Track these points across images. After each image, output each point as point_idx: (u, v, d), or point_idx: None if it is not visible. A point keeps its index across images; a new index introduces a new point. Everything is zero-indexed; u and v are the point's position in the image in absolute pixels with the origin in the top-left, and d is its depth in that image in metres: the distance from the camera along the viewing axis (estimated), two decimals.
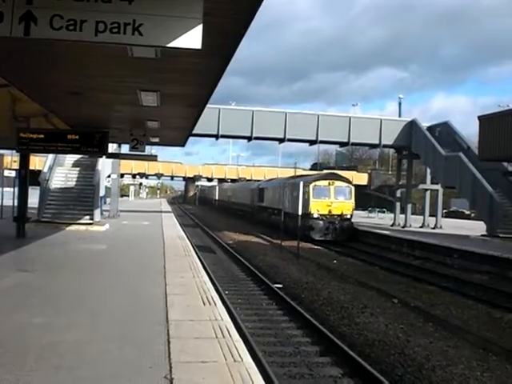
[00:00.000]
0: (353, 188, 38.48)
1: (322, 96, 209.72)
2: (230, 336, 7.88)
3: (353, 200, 37.92)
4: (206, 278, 13.02)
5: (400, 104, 62.64)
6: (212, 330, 8.10)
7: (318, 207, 36.63)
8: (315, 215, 36.28)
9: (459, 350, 11.87)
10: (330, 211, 36.63)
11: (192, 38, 6.68)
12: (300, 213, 29.70)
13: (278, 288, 18.27)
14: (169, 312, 9.08)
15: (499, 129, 27.33)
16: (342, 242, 35.48)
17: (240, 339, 7.90)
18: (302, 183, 32.31)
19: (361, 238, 36.76)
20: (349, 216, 37.22)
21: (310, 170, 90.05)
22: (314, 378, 10.21)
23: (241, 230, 43.21)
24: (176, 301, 9.94)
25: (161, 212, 46.77)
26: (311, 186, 36.76)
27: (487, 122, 29.08)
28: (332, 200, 36.97)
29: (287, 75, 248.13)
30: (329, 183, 37.51)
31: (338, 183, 37.85)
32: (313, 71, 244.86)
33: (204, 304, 9.89)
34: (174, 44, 6.73)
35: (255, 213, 55.13)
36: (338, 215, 36.73)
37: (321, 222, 36.38)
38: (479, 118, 30.41)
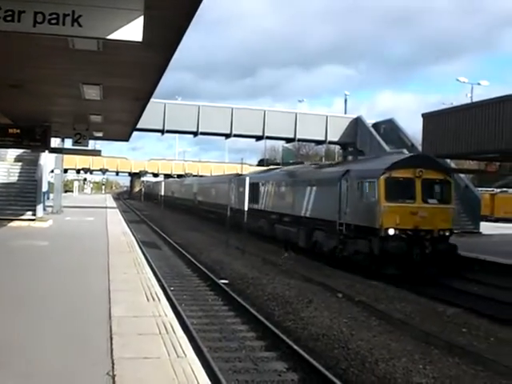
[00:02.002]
0: (452, 182, 23.14)
1: (270, 92, 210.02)
2: (174, 332, 7.83)
3: (453, 204, 22.95)
4: (150, 274, 12.92)
5: (346, 101, 63.19)
6: (155, 326, 8.04)
7: (394, 217, 20.64)
8: (390, 231, 20.37)
9: (402, 343, 12.01)
10: (415, 224, 20.76)
11: (133, 31, 6.58)
12: (340, 220, 22.81)
13: (224, 283, 18.22)
14: (112, 308, 8.97)
15: (442, 126, 27.79)
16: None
17: (184, 335, 7.86)
18: (351, 174, 22.98)
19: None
20: (447, 233, 21.53)
21: (257, 165, 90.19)
22: (258, 373, 10.21)
23: (187, 226, 42.97)
24: (119, 297, 9.83)
25: (106, 208, 46.22)
26: (382, 178, 21.00)
27: (430, 119, 29.49)
28: (419, 204, 21.15)
29: (236, 71, 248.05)
30: (414, 174, 21.38)
31: (429, 174, 21.73)
32: (261, 68, 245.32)
33: (148, 300, 9.81)
34: (114, 36, 6.62)
35: (202, 210, 53.80)
36: (429, 231, 20.90)
37: (400, 244, 20.36)
38: (423, 115, 30.80)
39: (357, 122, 42.64)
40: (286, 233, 29.59)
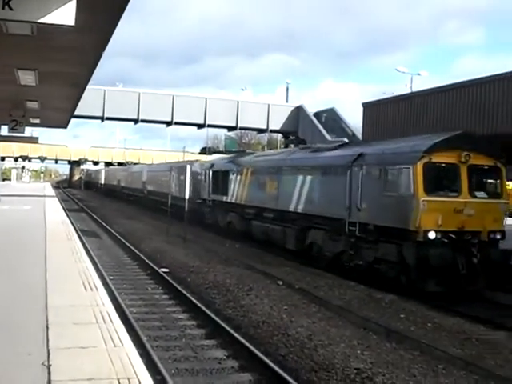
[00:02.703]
0: (504, 169, 17.67)
1: (213, 80, 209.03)
2: (111, 321, 7.72)
3: (505, 197, 17.76)
4: (88, 263, 12.72)
5: (287, 90, 63.36)
6: (93, 316, 7.91)
7: (436, 216, 15.99)
8: (431, 234, 15.83)
9: (341, 329, 12.16)
10: (460, 225, 16.31)
11: (65, 14, 6.43)
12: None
13: (165, 272, 18.11)
14: (48, 298, 8.80)
15: (381, 116, 28.24)
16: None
17: (121, 324, 7.76)
18: (367, 159, 18.18)
19: None
20: (498, 235, 16.96)
21: (200, 154, 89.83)
22: (198, 361, 10.19)
23: (128, 215, 42.54)
24: (56, 286, 9.65)
25: (44, 196, 45.29)
26: (420, 164, 16.11)
27: (370, 109, 29.92)
28: (466, 199, 16.60)
29: (179, 59, 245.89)
30: (459, 158, 16.61)
31: (478, 159, 16.94)
32: (205, 56, 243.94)
33: (85, 289, 9.65)
34: (46, 20, 6.46)
35: (144, 198, 52.24)
36: (476, 233, 16.51)
37: (445, 252, 15.89)
38: (363, 104, 31.20)
39: (298, 111, 42.84)
40: (267, 231, 24.86)
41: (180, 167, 32.62)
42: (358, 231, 17.90)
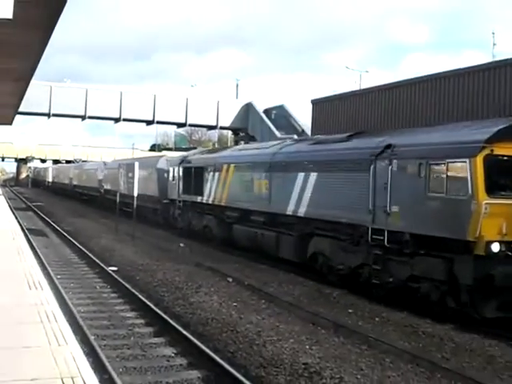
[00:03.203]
0: None
1: (163, 77, 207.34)
2: (56, 320, 7.62)
3: None
4: (34, 261, 12.52)
5: (237, 86, 63.58)
6: (37, 315, 7.80)
7: (499, 223, 12.70)
8: (494, 247, 12.54)
9: (290, 325, 12.20)
10: None
11: (2, 7, 6.26)
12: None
13: (113, 271, 17.92)
14: None
15: (329, 112, 28.53)
16: None
17: (67, 323, 7.65)
18: (399, 151, 14.62)
19: None
20: None
21: (150, 151, 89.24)
22: (147, 359, 10.10)
23: (79, 213, 41.96)
24: (0, 286, 9.45)
25: None
26: (480, 157, 12.69)
27: (319, 105, 30.21)
28: None
29: (129, 55, 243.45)
30: None
31: None
32: (155, 52, 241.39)
33: (30, 288, 9.50)
34: None
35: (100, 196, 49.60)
36: None
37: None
38: (312, 101, 31.43)
39: (248, 108, 42.91)
40: (255, 237, 21.01)
41: (129, 164, 29.96)
42: (386, 241, 14.33)
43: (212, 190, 25.06)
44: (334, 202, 16.57)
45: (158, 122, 42.30)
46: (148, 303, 13.57)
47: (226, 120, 42.52)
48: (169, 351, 10.51)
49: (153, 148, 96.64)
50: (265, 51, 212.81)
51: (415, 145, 14.59)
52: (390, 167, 14.53)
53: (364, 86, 35.44)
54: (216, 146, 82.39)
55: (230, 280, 17.05)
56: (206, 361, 9.73)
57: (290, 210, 18.86)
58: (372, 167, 14.99)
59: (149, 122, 42.09)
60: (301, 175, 18.38)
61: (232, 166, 23.55)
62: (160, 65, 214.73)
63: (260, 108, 42.76)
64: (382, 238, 14.45)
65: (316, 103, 30.82)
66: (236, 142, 48.93)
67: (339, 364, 9.60)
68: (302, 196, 18.18)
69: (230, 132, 59.27)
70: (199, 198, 26.22)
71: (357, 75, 58.32)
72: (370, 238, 14.93)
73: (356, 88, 44.91)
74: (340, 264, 16.46)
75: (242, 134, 44.46)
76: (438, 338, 11.67)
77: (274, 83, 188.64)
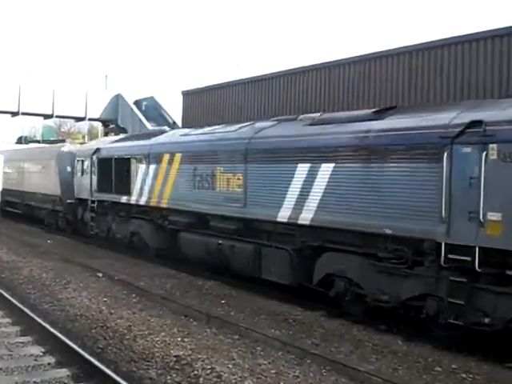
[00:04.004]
0: None
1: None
2: None
3: None
4: None
5: (106, 77, 62.22)
6: None
7: None
8: None
9: (162, 318, 12.09)
10: None
11: None
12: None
13: None
14: None
15: (198, 103, 28.61)
16: None
17: None
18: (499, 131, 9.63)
19: None
20: None
21: (16, 143, 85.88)
22: (13, 359, 9.68)
23: None
24: None
25: None
26: None
27: (189, 96, 30.20)
28: None
29: None
30: None
31: None
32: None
33: None
34: None
35: None
36: None
37: None
38: (183, 92, 31.35)
39: (118, 99, 42.20)
40: (219, 251, 15.89)
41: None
42: (477, 264, 9.73)
43: (145, 188, 19.46)
44: (367, 206, 11.65)
45: (24, 114, 40.71)
46: (14, 301, 13.02)
47: (95, 111, 41.59)
48: (36, 350, 10.12)
49: (19, 141, 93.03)
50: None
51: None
52: (482, 155, 9.82)
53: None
54: (86, 138, 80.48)
55: (100, 275, 16.71)
56: (75, 358, 9.46)
57: (282, 216, 13.72)
58: (446, 155, 10.28)
59: (14, 114, 40.45)
60: (302, 168, 13.26)
61: (178, 155, 17.83)
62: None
63: (130, 99, 42.18)
64: (466, 258, 9.90)
65: (185, 94, 30.79)
66: (106, 134, 48.00)
67: (211, 355, 9.60)
68: (304, 197, 13.12)
69: (100, 124, 58.07)
70: (124, 198, 20.76)
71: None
72: (443, 259, 10.25)
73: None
74: (379, 293, 11.53)
75: (112, 126, 43.68)
76: (308, 325, 11.91)
77: (144, 74, 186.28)
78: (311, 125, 13.92)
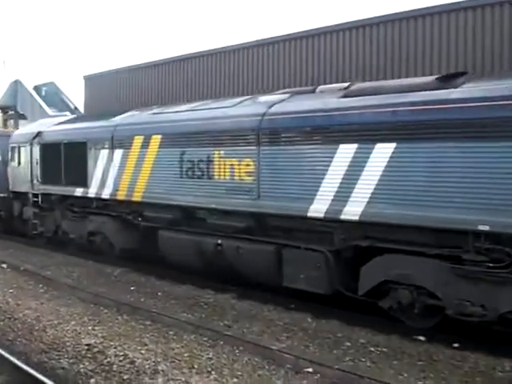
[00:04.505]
0: None
1: None
2: None
3: None
4: None
5: (4, 63, 60.27)
6: None
7: None
8: None
9: (71, 307, 11.91)
10: None
11: None
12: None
13: None
14: None
15: (100, 87, 28.13)
16: None
17: None
18: None
19: None
20: None
21: None
22: None
23: None
24: None
25: None
26: None
27: (90, 81, 29.65)
28: None
29: None
30: None
31: None
32: None
33: None
34: None
35: None
36: None
37: None
38: (84, 77, 30.68)
39: (16, 85, 40.95)
40: (217, 253, 13.07)
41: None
42: None
43: (108, 178, 16.09)
44: (450, 196, 9.13)
45: None
46: None
47: None
48: None
49: None
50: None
51: None
52: None
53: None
54: None
55: (5, 266, 16.28)
56: None
57: (316, 210, 10.92)
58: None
59: None
60: (346, 150, 10.48)
61: (156, 137, 14.50)
62: None
63: (30, 85, 41.02)
64: None
65: (87, 79, 30.18)
66: (5, 121, 46.43)
67: (123, 341, 9.55)
68: (349, 185, 10.40)
69: None
70: (79, 191, 17.28)
71: None
72: None
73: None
74: (466, 304, 9.19)
75: (10, 112, 42.33)
76: (219, 308, 11.99)
77: (45, 60, 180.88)
78: (347, 96, 11.03)
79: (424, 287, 9.72)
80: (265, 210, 11.91)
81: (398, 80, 12.25)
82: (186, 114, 14.32)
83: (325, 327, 10.55)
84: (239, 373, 8.22)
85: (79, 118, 19.98)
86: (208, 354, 9.05)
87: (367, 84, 11.95)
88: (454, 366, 8.51)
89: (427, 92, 9.73)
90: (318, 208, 10.83)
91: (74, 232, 18.04)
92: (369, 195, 10.05)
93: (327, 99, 11.35)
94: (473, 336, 9.54)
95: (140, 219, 15.55)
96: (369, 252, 10.40)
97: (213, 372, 8.26)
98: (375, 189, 9.98)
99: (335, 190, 10.58)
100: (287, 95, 12.66)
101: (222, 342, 9.72)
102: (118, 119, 16.50)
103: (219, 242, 12.98)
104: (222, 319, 11.14)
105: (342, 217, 10.47)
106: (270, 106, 12.17)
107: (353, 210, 10.27)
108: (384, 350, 9.28)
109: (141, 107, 18.81)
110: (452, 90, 9.48)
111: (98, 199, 16.65)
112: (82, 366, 8.47)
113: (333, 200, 10.59)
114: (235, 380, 7.96)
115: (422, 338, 9.75)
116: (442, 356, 8.91)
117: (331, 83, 15.01)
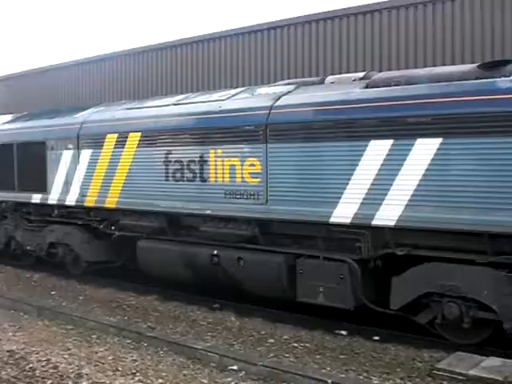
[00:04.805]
0: None
1: None
2: None
3: None
4: None
5: None
6: None
7: None
8: None
9: None
10: None
11: None
12: None
13: None
14: None
15: (13, 88, 27.59)
16: None
17: None
18: None
19: None
20: None
21: None
22: None
23: None
24: None
25: None
26: None
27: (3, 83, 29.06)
28: None
29: None
30: None
31: None
32: None
33: None
34: None
35: None
36: None
37: None
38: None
39: None
40: (213, 266, 11.31)
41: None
42: None
43: (73, 183, 14.12)
44: None
45: None
46: None
47: None
48: None
49: None
50: None
51: None
52: None
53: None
54: None
55: None
56: None
57: (341, 215, 9.49)
58: None
59: None
60: (378, 146, 9.10)
61: (134, 135, 12.66)
62: None
63: None
64: None
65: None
66: None
67: (46, 347, 9.42)
68: (383, 186, 9.00)
69: None
70: (37, 197, 15.21)
71: None
72: None
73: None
74: None
75: None
76: (142, 310, 11.98)
77: None
78: (372, 87, 9.67)
79: (476, 299, 8.45)
80: (275, 215, 10.36)
81: (428, 69, 10.68)
82: (172, 108, 12.55)
83: (248, 325, 10.69)
84: (164, 373, 8.23)
85: (34, 115, 17.28)
86: (132, 356, 9.03)
87: (393, 73, 10.50)
88: (375, 358, 8.77)
89: (476, 81, 8.47)
90: (344, 213, 9.40)
91: (32, 243, 15.78)
92: (408, 197, 8.72)
93: (348, 90, 9.90)
94: (393, 329, 9.83)
95: (113, 228, 13.75)
96: (402, 261, 9.11)
97: (137, 374, 8.23)
98: (417, 190, 8.65)
99: (365, 192, 9.18)
100: (293, 86, 11.24)
101: (145, 344, 9.72)
102: (83, 115, 14.62)
103: (215, 252, 11.29)
104: (146, 321, 11.13)
105: (374, 222, 9.11)
106: (277, 99, 10.69)
107: (388, 215, 8.93)
108: (307, 345, 9.47)
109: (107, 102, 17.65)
110: (504, 79, 8.21)
111: (61, 206, 14.67)
112: (4, 372, 8.29)
113: (362, 203, 9.21)
114: (160, 381, 7.97)
115: (343, 332, 10.01)
116: (363, 349, 9.17)
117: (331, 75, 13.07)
